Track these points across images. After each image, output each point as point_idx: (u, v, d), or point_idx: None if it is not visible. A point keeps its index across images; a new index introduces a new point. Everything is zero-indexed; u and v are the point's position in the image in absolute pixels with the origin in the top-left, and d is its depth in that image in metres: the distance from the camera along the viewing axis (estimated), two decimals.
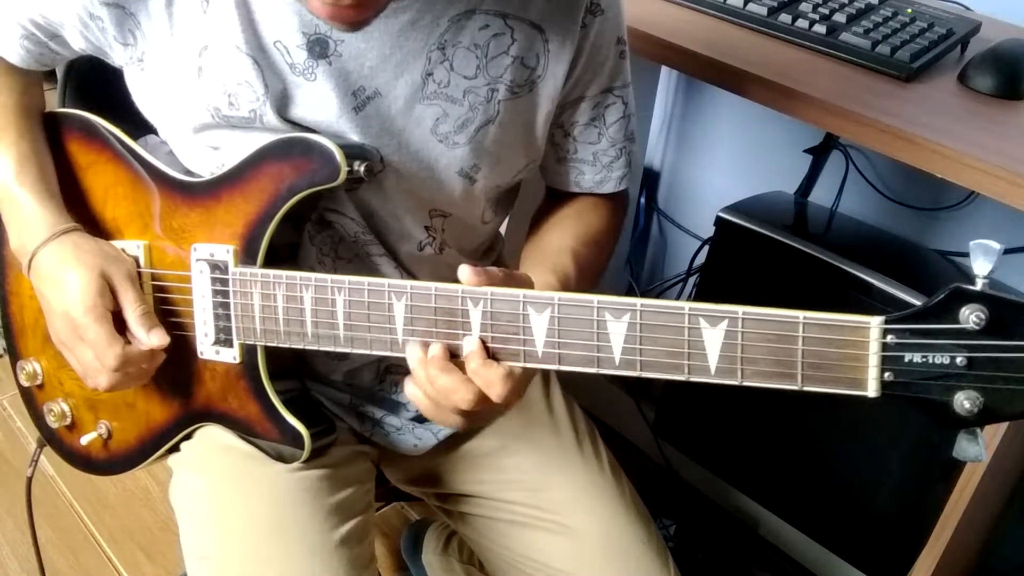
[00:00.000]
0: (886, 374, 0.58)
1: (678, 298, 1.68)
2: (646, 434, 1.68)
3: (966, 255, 1.41)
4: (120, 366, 0.80)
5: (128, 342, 0.81)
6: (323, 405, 0.93)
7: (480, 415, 0.72)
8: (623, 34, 0.86)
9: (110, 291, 0.81)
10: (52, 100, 0.97)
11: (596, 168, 0.91)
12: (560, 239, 0.89)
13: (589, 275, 0.87)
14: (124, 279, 0.82)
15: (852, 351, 0.58)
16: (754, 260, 1.34)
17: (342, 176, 0.74)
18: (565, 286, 0.81)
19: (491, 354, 0.69)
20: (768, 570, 1.59)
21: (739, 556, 1.61)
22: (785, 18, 1.12)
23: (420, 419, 0.95)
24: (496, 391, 0.68)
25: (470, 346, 0.69)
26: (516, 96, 0.81)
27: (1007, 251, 1.40)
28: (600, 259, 0.92)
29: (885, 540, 1.34)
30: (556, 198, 0.96)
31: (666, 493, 1.68)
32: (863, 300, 1.21)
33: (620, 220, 0.98)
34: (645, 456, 1.73)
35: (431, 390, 0.70)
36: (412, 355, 0.71)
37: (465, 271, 0.68)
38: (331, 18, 0.67)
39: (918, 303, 1.15)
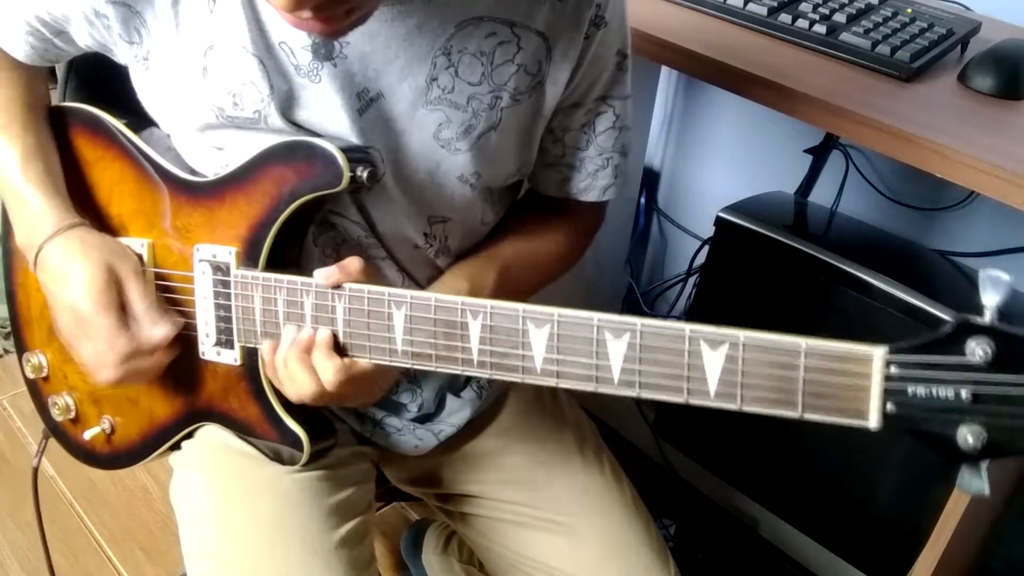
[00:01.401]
0: (888, 406, 0.56)
1: (678, 298, 1.68)
2: (646, 434, 1.68)
3: (966, 255, 1.42)
4: (127, 358, 0.79)
5: (134, 335, 0.80)
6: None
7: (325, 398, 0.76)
8: (625, 47, 0.86)
9: (116, 285, 0.81)
10: (53, 99, 0.96)
11: (582, 175, 0.91)
12: (500, 249, 0.90)
13: (510, 291, 0.88)
14: (130, 273, 0.81)
15: (854, 381, 0.57)
16: (754, 260, 1.34)
17: (345, 181, 0.74)
18: (474, 294, 0.82)
19: (345, 351, 0.75)
20: (768, 570, 1.59)
21: (739, 556, 1.62)
22: (785, 18, 1.12)
23: (421, 420, 0.96)
24: (329, 380, 0.74)
25: (320, 336, 0.74)
26: (518, 103, 0.81)
27: (1007, 251, 1.40)
28: (534, 280, 0.93)
29: (885, 540, 1.34)
30: (534, 204, 0.96)
31: (666, 493, 1.68)
32: (863, 300, 1.21)
33: (586, 239, 0.99)
34: (645, 456, 1.74)
35: (283, 371, 0.76)
36: (286, 334, 0.76)
37: (320, 274, 0.73)
38: (301, 29, 0.67)
39: (918, 303, 1.16)
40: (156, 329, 0.80)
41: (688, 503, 1.67)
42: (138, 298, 0.81)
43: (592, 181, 0.91)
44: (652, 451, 1.70)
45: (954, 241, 1.36)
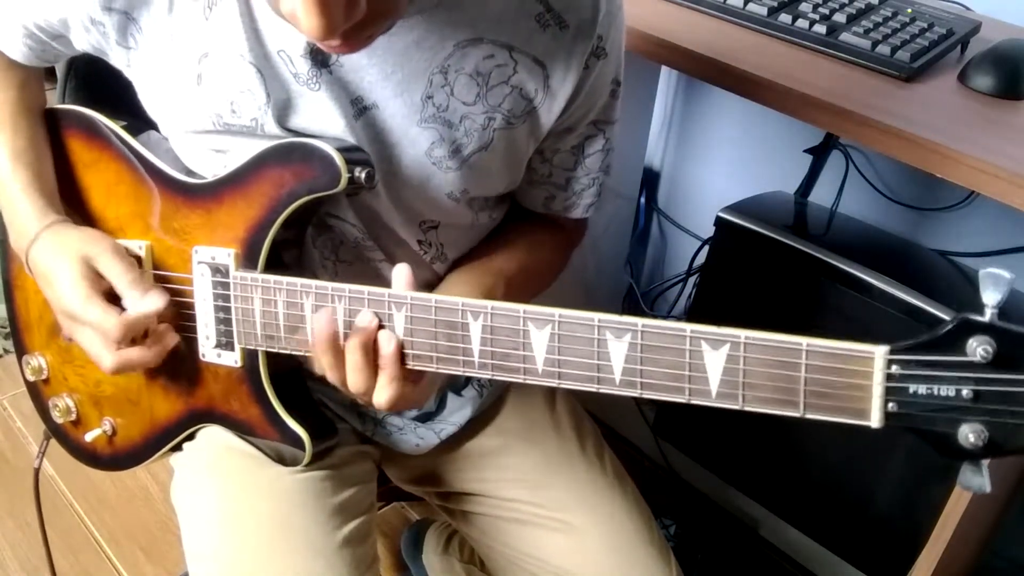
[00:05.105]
0: (890, 405, 0.56)
1: (678, 298, 1.68)
2: (646, 434, 1.68)
3: (966, 255, 1.42)
4: (122, 336, 0.78)
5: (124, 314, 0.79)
6: (325, 405, 0.93)
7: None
8: (620, 76, 0.86)
9: (94, 271, 0.80)
10: (52, 99, 0.96)
11: (567, 193, 0.91)
12: (502, 262, 0.90)
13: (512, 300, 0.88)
14: (105, 254, 0.81)
15: (856, 380, 0.57)
16: (754, 260, 1.34)
17: (343, 183, 0.74)
18: None
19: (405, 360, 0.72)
20: (768, 570, 1.59)
21: (739, 556, 1.62)
22: (785, 18, 1.12)
23: (422, 419, 0.96)
24: (383, 397, 0.72)
25: (388, 347, 0.70)
26: (511, 127, 0.81)
27: (1007, 251, 1.40)
28: (530, 290, 0.93)
29: (885, 540, 1.34)
30: (519, 215, 0.96)
31: (666, 493, 1.68)
32: (863, 300, 1.21)
33: (570, 252, 1.00)
34: (645, 456, 1.74)
35: (337, 357, 0.73)
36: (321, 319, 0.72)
37: (403, 273, 0.71)
38: (326, 50, 0.68)
39: (918, 303, 1.16)
40: (146, 298, 0.79)
41: (688, 503, 1.67)
42: (118, 277, 0.80)
43: (577, 199, 0.92)
44: (652, 451, 1.71)
45: (954, 241, 1.36)
